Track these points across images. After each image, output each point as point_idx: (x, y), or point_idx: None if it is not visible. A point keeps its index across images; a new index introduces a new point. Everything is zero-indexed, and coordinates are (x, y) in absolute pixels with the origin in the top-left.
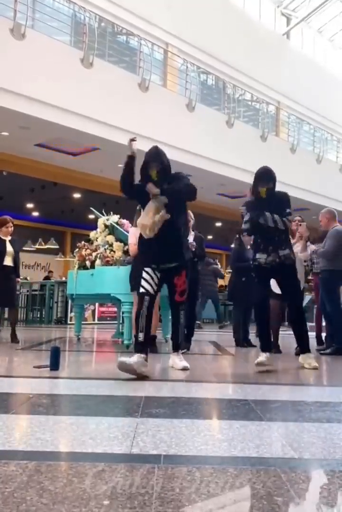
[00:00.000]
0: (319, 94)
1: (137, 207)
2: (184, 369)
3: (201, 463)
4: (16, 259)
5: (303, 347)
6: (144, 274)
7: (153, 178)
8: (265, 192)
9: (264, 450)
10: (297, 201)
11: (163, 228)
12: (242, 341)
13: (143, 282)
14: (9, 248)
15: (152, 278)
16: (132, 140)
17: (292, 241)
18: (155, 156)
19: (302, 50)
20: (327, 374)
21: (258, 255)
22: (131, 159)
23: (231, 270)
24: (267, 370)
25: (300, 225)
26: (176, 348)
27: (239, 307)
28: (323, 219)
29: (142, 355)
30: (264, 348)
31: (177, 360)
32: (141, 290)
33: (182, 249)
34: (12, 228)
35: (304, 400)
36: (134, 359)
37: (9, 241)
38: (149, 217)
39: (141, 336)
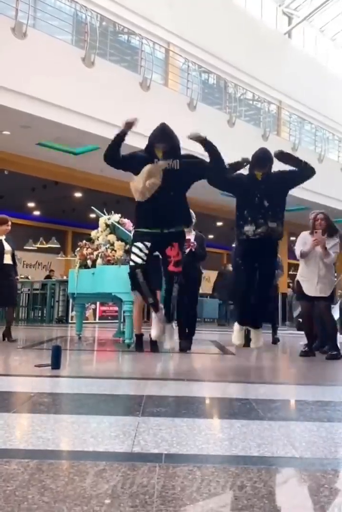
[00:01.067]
0: (321, 93)
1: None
2: (171, 349)
3: (202, 462)
4: (14, 257)
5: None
6: (133, 249)
7: (159, 157)
8: (261, 176)
9: (265, 449)
10: (298, 200)
11: (163, 196)
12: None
13: (133, 256)
14: (6, 246)
15: (141, 250)
16: (129, 123)
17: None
18: (161, 135)
19: (304, 50)
20: (328, 373)
21: (245, 228)
22: (123, 133)
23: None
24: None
25: (317, 227)
26: (168, 320)
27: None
28: None
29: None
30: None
31: (167, 336)
32: (131, 263)
33: (181, 216)
34: (10, 227)
35: (305, 399)
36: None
37: (5, 239)
38: (141, 180)
39: (150, 300)
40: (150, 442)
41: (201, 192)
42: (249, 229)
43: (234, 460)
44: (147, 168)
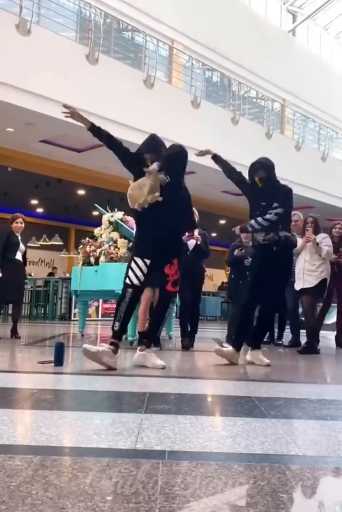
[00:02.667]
0: (325, 91)
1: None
2: (163, 368)
3: (206, 459)
4: (24, 256)
5: (256, 344)
6: (132, 264)
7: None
8: (259, 181)
9: (269, 447)
10: (302, 199)
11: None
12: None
13: (130, 273)
14: (21, 245)
15: (140, 269)
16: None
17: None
18: (151, 146)
19: (308, 48)
20: (331, 372)
21: (255, 235)
22: (93, 129)
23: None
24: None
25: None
26: (154, 343)
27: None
28: None
29: (110, 347)
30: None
31: (154, 358)
32: (126, 280)
33: (180, 241)
34: (23, 224)
35: (308, 398)
36: (100, 348)
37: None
38: (142, 192)
39: (117, 325)
40: (154, 439)
41: (204, 190)
42: (258, 235)
43: (237, 457)
44: (149, 181)
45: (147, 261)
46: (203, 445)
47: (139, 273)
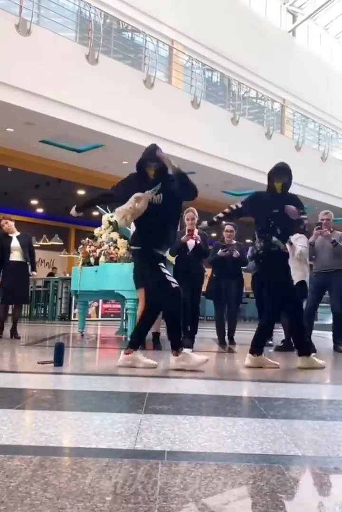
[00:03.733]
0: (325, 91)
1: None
2: (206, 361)
3: (205, 459)
4: (26, 254)
5: (304, 350)
6: (164, 270)
7: (150, 176)
8: (281, 187)
9: (268, 447)
10: (301, 199)
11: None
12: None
13: (169, 278)
14: (15, 243)
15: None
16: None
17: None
18: (154, 154)
19: (308, 48)
20: (332, 372)
21: (257, 244)
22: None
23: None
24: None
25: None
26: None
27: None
28: None
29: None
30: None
31: (194, 356)
32: (174, 285)
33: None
34: (8, 223)
35: (307, 398)
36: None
37: (17, 237)
38: (126, 206)
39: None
40: (153, 439)
41: (203, 190)
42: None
43: (236, 458)
44: (135, 195)
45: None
46: (202, 445)
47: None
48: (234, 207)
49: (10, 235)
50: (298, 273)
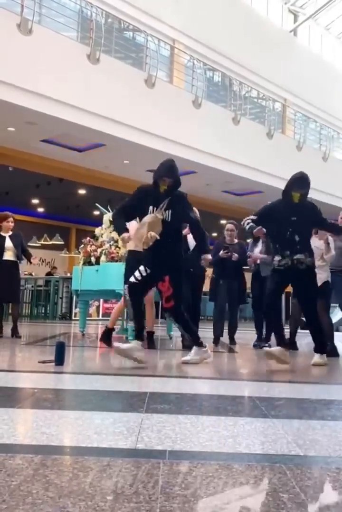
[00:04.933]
0: (326, 91)
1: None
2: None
3: (206, 459)
4: (19, 254)
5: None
6: (140, 267)
7: (161, 191)
8: (299, 198)
9: (269, 447)
10: None
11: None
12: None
13: (132, 277)
14: (9, 243)
15: (140, 273)
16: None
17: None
18: (170, 170)
19: (309, 48)
20: (333, 372)
21: (275, 258)
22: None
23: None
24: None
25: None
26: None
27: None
28: None
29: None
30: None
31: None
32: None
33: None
34: (13, 223)
35: (309, 398)
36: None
37: (9, 236)
38: (144, 231)
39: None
40: (154, 438)
41: (204, 190)
42: (276, 259)
43: (237, 457)
44: (148, 220)
45: (148, 270)
46: (203, 445)
47: (137, 274)
48: (250, 220)
49: (4, 234)
50: (323, 274)
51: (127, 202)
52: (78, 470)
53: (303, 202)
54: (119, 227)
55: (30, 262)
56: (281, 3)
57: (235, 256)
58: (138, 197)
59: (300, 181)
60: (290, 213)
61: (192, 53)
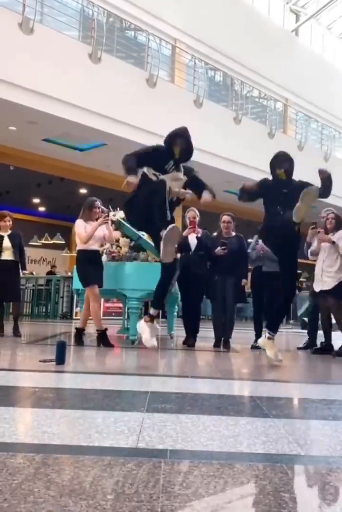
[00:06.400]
0: (327, 91)
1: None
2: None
3: (207, 458)
4: (17, 253)
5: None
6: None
7: (176, 155)
8: (284, 174)
9: (270, 446)
10: None
11: None
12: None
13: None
14: (7, 242)
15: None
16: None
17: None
18: (184, 134)
19: (311, 47)
20: (334, 372)
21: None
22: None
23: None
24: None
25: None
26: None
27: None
28: None
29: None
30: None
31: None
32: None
33: None
34: (10, 222)
35: (309, 397)
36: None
37: (8, 235)
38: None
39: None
40: (155, 438)
41: None
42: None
43: (238, 457)
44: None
45: None
46: (204, 444)
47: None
48: (252, 190)
49: (2, 234)
50: (339, 274)
51: (142, 150)
52: (79, 469)
53: (290, 178)
54: (131, 167)
55: (23, 269)
56: (282, 2)
57: (219, 250)
58: (153, 156)
59: (280, 158)
60: (279, 187)
61: (194, 52)
